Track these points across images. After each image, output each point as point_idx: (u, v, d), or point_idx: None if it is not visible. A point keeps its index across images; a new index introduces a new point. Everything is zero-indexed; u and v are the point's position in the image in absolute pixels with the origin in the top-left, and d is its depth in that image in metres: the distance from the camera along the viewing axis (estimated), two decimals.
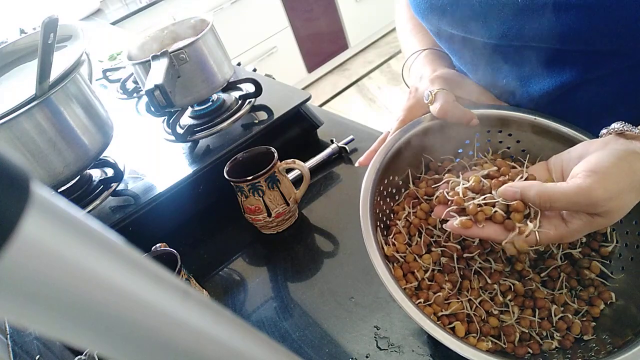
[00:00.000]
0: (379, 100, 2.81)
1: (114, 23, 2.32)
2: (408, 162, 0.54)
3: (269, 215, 0.66)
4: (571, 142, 0.49)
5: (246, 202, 0.66)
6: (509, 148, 0.54)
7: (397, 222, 0.51)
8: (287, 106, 0.81)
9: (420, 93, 0.54)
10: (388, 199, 0.52)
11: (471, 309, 0.46)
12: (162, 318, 0.17)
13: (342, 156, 0.80)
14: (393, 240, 0.50)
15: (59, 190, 0.72)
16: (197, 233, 0.75)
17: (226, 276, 0.67)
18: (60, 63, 0.66)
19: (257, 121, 0.82)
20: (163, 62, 0.72)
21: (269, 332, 0.56)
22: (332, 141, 0.81)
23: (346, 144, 0.80)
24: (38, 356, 0.61)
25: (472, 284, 0.48)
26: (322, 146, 0.82)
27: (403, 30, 0.70)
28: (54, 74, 0.63)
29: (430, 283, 0.48)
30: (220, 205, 0.76)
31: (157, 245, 0.62)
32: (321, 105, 2.86)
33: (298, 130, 0.83)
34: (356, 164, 0.56)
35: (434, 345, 0.49)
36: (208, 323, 0.19)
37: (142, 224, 0.71)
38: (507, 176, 0.45)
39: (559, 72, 0.48)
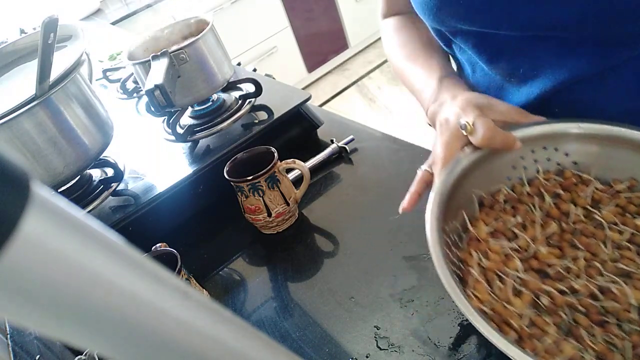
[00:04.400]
0: (379, 100, 2.81)
1: (114, 23, 2.32)
2: (460, 203, 0.48)
3: (269, 215, 0.66)
4: (622, 141, 0.46)
5: (246, 202, 0.66)
6: (559, 164, 0.50)
7: (471, 270, 0.44)
8: (287, 106, 0.81)
9: (453, 125, 0.49)
10: (453, 248, 0.46)
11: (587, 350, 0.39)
12: (162, 318, 0.17)
13: (342, 156, 0.80)
14: (473, 291, 0.43)
15: (59, 190, 0.72)
16: (197, 233, 0.75)
17: (226, 276, 0.67)
18: (60, 63, 0.66)
19: (257, 121, 0.82)
20: (163, 62, 0.72)
21: (269, 332, 0.56)
22: (332, 141, 0.81)
23: (346, 144, 0.80)
24: (38, 356, 0.61)
25: (582, 321, 0.40)
26: (322, 146, 0.82)
27: (398, 58, 0.66)
28: (54, 74, 0.63)
29: (531, 331, 0.40)
30: (220, 205, 0.76)
31: (157, 245, 0.62)
32: (321, 105, 2.86)
33: (298, 130, 0.83)
34: (400, 210, 0.50)
35: (435, 345, 0.49)
36: (208, 323, 0.19)
37: (142, 224, 0.71)
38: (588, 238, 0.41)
39: (577, 61, 0.48)
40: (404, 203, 0.51)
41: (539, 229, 0.45)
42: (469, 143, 0.48)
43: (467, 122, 0.47)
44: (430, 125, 0.57)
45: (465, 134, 0.47)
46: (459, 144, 0.48)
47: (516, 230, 0.45)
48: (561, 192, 0.48)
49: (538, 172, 0.50)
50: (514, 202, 0.49)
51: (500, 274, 0.43)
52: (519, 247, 0.45)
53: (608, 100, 0.51)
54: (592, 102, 0.52)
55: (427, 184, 0.51)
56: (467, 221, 0.48)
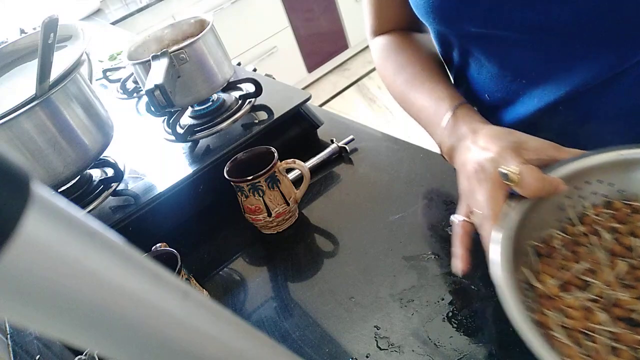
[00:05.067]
0: (379, 100, 2.81)
1: (114, 23, 2.33)
2: (517, 259, 0.45)
3: (269, 215, 0.66)
4: None
5: (246, 202, 0.66)
6: (605, 196, 0.47)
7: (552, 332, 0.39)
8: (287, 106, 0.81)
9: (492, 173, 0.44)
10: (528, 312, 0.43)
11: None
12: (162, 318, 0.17)
13: (342, 156, 0.80)
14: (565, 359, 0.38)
15: (59, 190, 0.72)
16: (197, 233, 0.75)
17: (226, 276, 0.67)
18: (60, 63, 0.66)
19: (257, 121, 0.82)
20: (163, 62, 0.72)
21: (269, 332, 0.56)
22: (332, 141, 0.81)
23: (346, 144, 0.80)
24: (38, 356, 0.61)
25: None
26: (322, 146, 0.82)
27: (397, 83, 0.62)
28: (54, 74, 0.63)
29: None
30: (220, 205, 0.76)
31: (157, 245, 0.62)
32: (321, 105, 2.86)
33: (298, 130, 0.83)
34: (460, 273, 0.46)
35: (435, 345, 0.49)
36: (208, 323, 0.19)
37: (142, 224, 0.71)
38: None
39: (593, 61, 0.48)
40: (460, 265, 0.45)
41: (608, 271, 0.42)
42: (512, 191, 0.44)
43: (511, 172, 0.42)
44: (444, 157, 0.54)
45: (508, 183, 0.43)
46: (503, 195, 0.44)
47: (587, 278, 0.41)
48: (617, 225, 0.45)
49: (585, 207, 0.47)
50: (571, 245, 0.45)
51: (586, 331, 0.38)
52: (596, 296, 0.41)
53: (612, 104, 0.51)
54: (597, 106, 0.51)
55: (470, 235, 0.47)
56: (533, 278, 0.43)
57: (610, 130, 0.53)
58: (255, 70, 1.03)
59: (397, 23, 0.67)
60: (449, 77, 0.62)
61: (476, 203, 0.45)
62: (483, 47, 0.55)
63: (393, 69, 0.63)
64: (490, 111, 0.60)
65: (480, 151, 0.45)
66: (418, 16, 0.57)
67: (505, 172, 0.42)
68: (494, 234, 0.42)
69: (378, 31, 0.69)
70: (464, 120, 0.51)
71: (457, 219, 0.47)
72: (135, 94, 1.09)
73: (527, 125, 0.57)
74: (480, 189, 0.44)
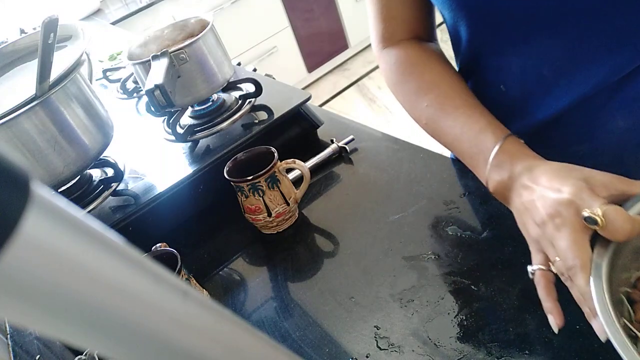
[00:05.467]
0: (379, 100, 2.81)
1: (114, 23, 2.33)
2: (615, 307, 0.42)
3: (269, 215, 0.66)
4: None
5: (246, 202, 0.66)
6: None
7: None
8: (287, 106, 0.81)
9: (574, 219, 0.40)
10: None
11: None
12: (162, 318, 0.17)
13: (342, 156, 0.80)
14: None
15: (59, 190, 0.72)
16: (197, 233, 0.75)
17: (226, 276, 0.67)
18: (60, 63, 0.66)
19: (257, 121, 0.82)
20: (163, 62, 0.72)
21: (269, 332, 0.56)
22: (332, 141, 0.81)
23: (346, 144, 0.80)
24: (38, 356, 0.61)
25: None
26: (322, 146, 0.82)
27: (421, 106, 0.56)
28: (54, 74, 0.63)
29: None
30: (220, 205, 0.76)
31: (157, 245, 0.62)
32: (321, 105, 2.86)
33: (298, 130, 0.83)
34: (556, 330, 0.42)
35: (435, 345, 0.49)
36: (208, 323, 0.19)
37: (142, 224, 0.71)
38: None
39: (615, 54, 0.47)
40: (557, 320, 0.42)
41: None
42: (595, 234, 0.40)
43: (596, 215, 0.39)
44: (493, 194, 0.50)
45: (593, 227, 0.39)
46: (587, 240, 0.40)
47: None
48: None
49: None
50: None
51: None
52: None
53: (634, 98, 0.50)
54: (618, 103, 0.51)
55: (554, 285, 0.44)
56: (636, 331, 0.41)
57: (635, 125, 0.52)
58: (255, 70, 1.03)
59: (409, 24, 0.60)
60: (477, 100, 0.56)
61: (558, 251, 0.41)
62: (504, 33, 0.52)
63: (414, 89, 0.57)
64: (509, 103, 0.58)
65: (550, 193, 0.41)
66: (435, 3, 0.54)
67: (590, 215, 0.39)
68: (592, 289, 0.39)
69: (388, 39, 0.61)
70: (516, 155, 0.47)
71: (534, 269, 0.44)
72: (135, 94, 1.09)
73: (558, 120, 0.55)
74: (560, 235, 0.40)
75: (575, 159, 0.44)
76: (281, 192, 0.66)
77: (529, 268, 0.44)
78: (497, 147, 0.48)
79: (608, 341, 0.37)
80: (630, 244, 0.43)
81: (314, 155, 0.79)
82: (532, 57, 0.52)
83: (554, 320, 0.42)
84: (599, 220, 0.38)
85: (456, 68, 0.62)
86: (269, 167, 0.64)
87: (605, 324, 0.37)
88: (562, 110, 0.54)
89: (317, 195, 0.74)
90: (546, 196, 0.41)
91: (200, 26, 0.85)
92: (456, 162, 0.71)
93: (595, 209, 0.38)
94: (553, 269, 0.42)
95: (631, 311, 0.42)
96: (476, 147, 0.50)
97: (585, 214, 0.39)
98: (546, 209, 0.41)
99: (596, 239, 0.41)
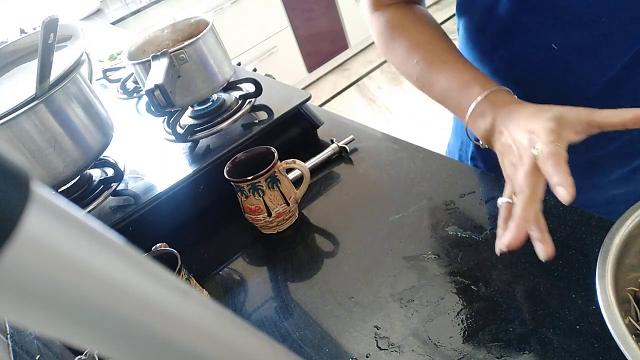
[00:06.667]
0: (379, 100, 2.81)
1: (114, 23, 2.33)
2: (620, 305, 0.42)
3: (269, 215, 0.66)
4: None
5: (246, 202, 0.66)
6: None
7: None
8: (287, 106, 0.81)
9: (528, 152, 0.44)
10: None
11: None
12: (162, 318, 0.17)
13: (342, 156, 0.80)
14: None
15: (59, 190, 0.72)
16: (197, 233, 0.75)
17: (226, 276, 0.67)
18: (60, 63, 0.66)
19: (257, 121, 0.82)
20: (163, 62, 0.72)
21: (269, 332, 0.56)
22: (332, 141, 0.81)
23: (346, 144, 0.80)
24: (38, 356, 0.61)
25: None
26: (322, 146, 0.82)
27: (410, 63, 0.58)
28: (54, 74, 0.63)
29: None
30: (220, 205, 0.76)
31: (157, 245, 0.62)
32: (321, 105, 2.86)
33: (298, 130, 0.83)
34: (503, 249, 0.44)
35: (435, 345, 0.49)
36: (208, 323, 0.19)
37: (142, 224, 0.71)
38: None
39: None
40: (501, 244, 0.44)
41: None
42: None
43: (536, 149, 0.43)
44: (480, 140, 0.53)
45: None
46: (541, 174, 0.43)
47: None
48: None
49: None
50: None
51: None
52: None
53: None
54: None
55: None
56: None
57: None
58: (255, 70, 1.03)
59: None
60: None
61: (515, 184, 0.45)
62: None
63: (405, 48, 0.59)
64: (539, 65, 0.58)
65: (522, 134, 0.45)
66: None
67: (533, 150, 0.43)
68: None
69: (379, 3, 0.64)
70: (498, 103, 0.50)
71: (501, 201, 0.48)
72: (135, 94, 1.09)
73: (610, 87, 0.55)
74: (519, 169, 0.44)
75: None
76: (281, 192, 0.66)
77: (498, 201, 0.48)
78: (480, 97, 0.51)
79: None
80: (638, 244, 0.44)
81: (314, 155, 0.79)
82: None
83: (500, 245, 0.44)
84: (536, 153, 0.42)
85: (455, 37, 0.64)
86: (269, 167, 0.64)
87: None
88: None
89: (317, 195, 0.74)
90: (517, 138, 0.45)
91: (200, 26, 0.85)
92: (456, 162, 0.71)
93: (538, 144, 0.42)
94: (533, 150, 0.44)
95: (637, 310, 0.43)
96: (464, 99, 0.53)
97: (534, 151, 0.43)
98: (518, 150, 0.45)
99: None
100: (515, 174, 0.45)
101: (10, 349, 0.64)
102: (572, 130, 0.44)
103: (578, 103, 0.46)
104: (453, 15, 0.62)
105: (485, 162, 0.72)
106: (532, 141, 0.43)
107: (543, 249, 0.42)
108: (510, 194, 0.47)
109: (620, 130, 0.43)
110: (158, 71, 0.71)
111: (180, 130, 0.81)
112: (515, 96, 0.51)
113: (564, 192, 0.39)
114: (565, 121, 0.44)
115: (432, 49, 0.58)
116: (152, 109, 0.71)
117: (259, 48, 2.85)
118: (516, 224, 0.42)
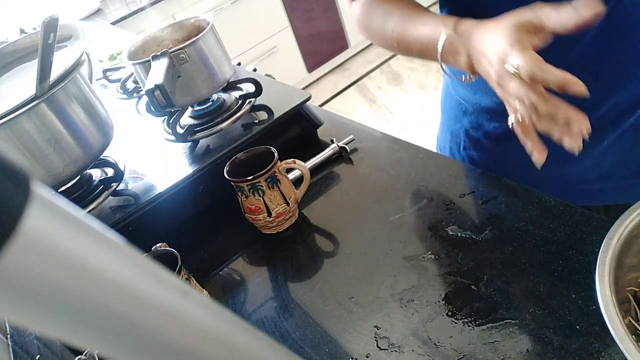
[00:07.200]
0: (379, 100, 2.81)
1: (114, 23, 2.32)
2: (620, 305, 0.42)
3: (269, 215, 0.66)
4: None
5: (246, 202, 0.66)
6: None
7: None
8: (287, 106, 0.81)
9: (500, 67, 0.47)
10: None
11: None
12: (162, 317, 0.17)
13: (342, 156, 0.80)
14: None
15: (59, 190, 0.72)
16: (197, 233, 0.75)
17: (226, 276, 0.67)
18: (60, 63, 0.66)
19: (257, 121, 0.82)
20: (163, 62, 0.72)
21: (269, 332, 0.56)
22: (332, 141, 0.81)
23: (346, 144, 0.80)
24: (38, 356, 0.61)
25: None
26: (322, 146, 0.82)
27: (387, 31, 0.61)
28: (54, 74, 0.63)
29: None
30: (220, 205, 0.76)
31: (157, 245, 0.62)
32: (321, 105, 2.86)
33: (298, 130, 0.83)
34: (540, 163, 0.47)
35: (435, 345, 0.49)
36: (208, 323, 0.19)
37: (142, 224, 0.71)
38: None
39: None
40: (538, 156, 0.47)
41: None
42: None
43: (514, 67, 0.45)
44: (441, 62, 0.55)
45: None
46: (526, 83, 0.45)
47: None
48: None
49: None
50: None
51: None
52: None
53: None
54: None
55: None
56: None
57: None
58: (255, 70, 1.03)
59: None
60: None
61: (512, 100, 0.46)
62: None
63: (381, 18, 0.62)
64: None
65: (492, 56, 0.47)
66: None
67: (511, 69, 0.45)
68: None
69: None
70: (466, 32, 0.52)
71: (510, 121, 0.49)
72: (135, 94, 1.09)
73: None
74: (508, 87, 0.46)
75: None
76: (281, 192, 0.66)
77: (509, 123, 0.49)
78: (444, 37, 0.53)
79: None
80: (638, 244, 0.45)
81: (314, 155, 0.79)
82: None
83: (537, 157, 0.47)
84: (512, 70, 0.44)
85: None
86: (269, 167, 0.64)
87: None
88: None
89: (317, 195, 0.74)
90: (492, 60, 0.48)
91: (201, 26, 0.85)
92: (456, 162, 0.71)
93: (510, 59, 0.44)
94: (507, 67, 0.46)
95: (637, 310, 0.43)
96: (435, 35, 0.55)
97: (508, 67, 0.45)
98: (497, 72, 0.47)
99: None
100: (505, 93, 0.48)
101: (10, 349, 0.64)
102: (528, 35, 0.46)
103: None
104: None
105: (477, 150, 0.73)
106: (503, 60, 0.46)
107: (536, 157, 0.46)
108: (513, 111, 0.49)
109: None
110: (158, 71, 0.71)
111: (180, 130, 0.81)
112: (480, 21, 0.53)
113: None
114: (521, 27, 0.46)
115: (403, 14, 0.60)
116: (152, 109, 0.71)
117: (259, 48, 2.85)
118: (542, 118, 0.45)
